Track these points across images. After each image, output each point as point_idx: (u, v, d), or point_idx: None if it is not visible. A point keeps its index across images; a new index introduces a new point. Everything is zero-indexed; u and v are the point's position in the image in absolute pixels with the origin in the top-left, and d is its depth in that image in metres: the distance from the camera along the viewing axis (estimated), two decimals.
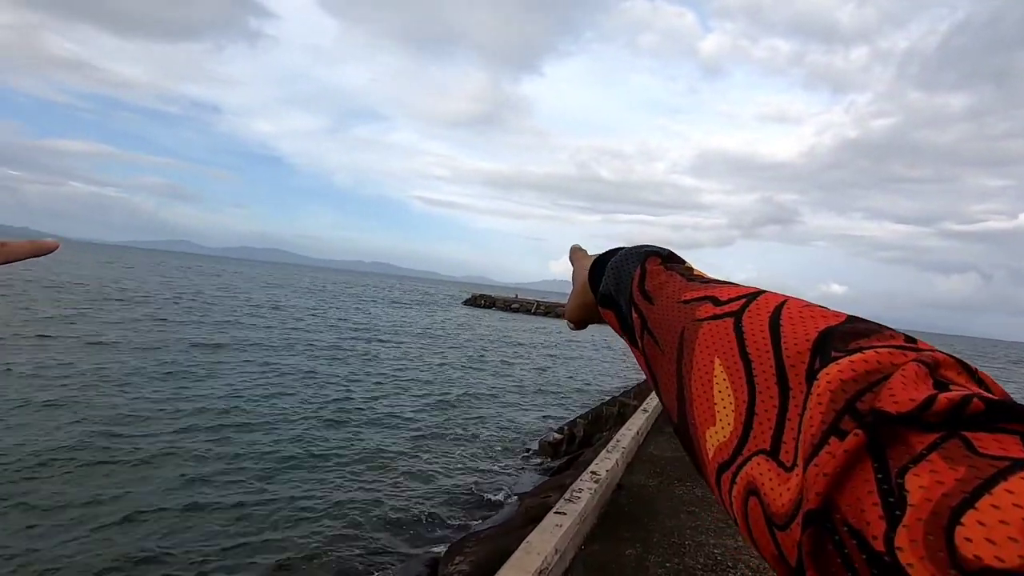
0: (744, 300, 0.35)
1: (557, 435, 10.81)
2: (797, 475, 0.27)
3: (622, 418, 9.58)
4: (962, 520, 0.20)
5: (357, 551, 5.87)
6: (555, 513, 3.68)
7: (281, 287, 54.34)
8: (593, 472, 4.96)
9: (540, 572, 3.11)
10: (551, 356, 24.85)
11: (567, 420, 12.28)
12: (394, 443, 9.69)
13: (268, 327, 22.78)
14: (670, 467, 6.29)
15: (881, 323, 0.29)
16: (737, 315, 0.34)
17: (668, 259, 0.47)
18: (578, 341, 33.96)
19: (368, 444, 9.41)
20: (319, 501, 6.93)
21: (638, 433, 6.88)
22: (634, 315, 0.44)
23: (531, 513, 5.55)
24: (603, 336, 39.44)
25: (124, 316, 20.69)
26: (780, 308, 0.32)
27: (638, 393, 11.65)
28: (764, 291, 0.36)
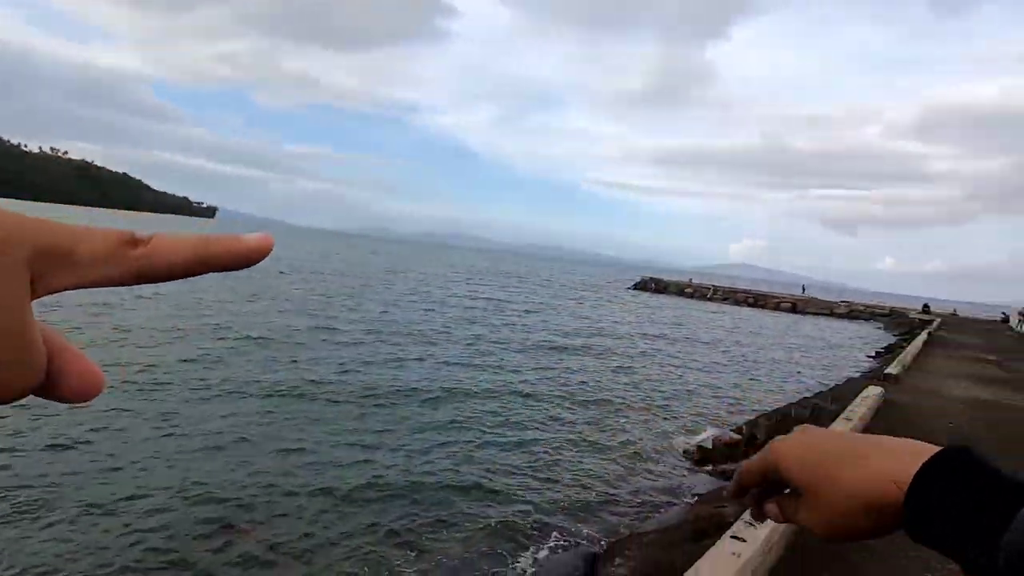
0: None
1: (734, 435, 9.74)
2: None
3: (815, 423, 8.23)
4: None
5: (514, 525, 5.84)
6: (732, 538, 3.10)
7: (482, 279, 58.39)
8: None
9: None
10: (732, 345, 22.79)
11: (746, 418, 11.04)
12: (569, 417, 10.11)
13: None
14: None
15: None
16: None
17: None
18: (766, 332, 30.84)
19: (536, 415, 9.79)
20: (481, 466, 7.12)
21: None
22: None
23: (700, 524, 4.96)
24: (795, 329, 35.27)
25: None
26: None
27: (837, 396, 9.96)
28: None
